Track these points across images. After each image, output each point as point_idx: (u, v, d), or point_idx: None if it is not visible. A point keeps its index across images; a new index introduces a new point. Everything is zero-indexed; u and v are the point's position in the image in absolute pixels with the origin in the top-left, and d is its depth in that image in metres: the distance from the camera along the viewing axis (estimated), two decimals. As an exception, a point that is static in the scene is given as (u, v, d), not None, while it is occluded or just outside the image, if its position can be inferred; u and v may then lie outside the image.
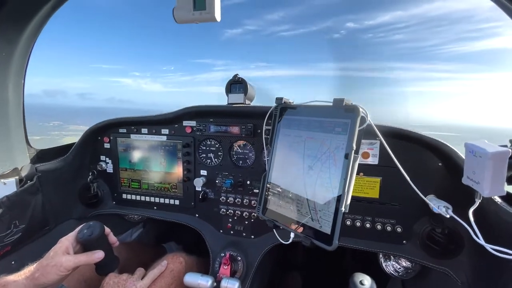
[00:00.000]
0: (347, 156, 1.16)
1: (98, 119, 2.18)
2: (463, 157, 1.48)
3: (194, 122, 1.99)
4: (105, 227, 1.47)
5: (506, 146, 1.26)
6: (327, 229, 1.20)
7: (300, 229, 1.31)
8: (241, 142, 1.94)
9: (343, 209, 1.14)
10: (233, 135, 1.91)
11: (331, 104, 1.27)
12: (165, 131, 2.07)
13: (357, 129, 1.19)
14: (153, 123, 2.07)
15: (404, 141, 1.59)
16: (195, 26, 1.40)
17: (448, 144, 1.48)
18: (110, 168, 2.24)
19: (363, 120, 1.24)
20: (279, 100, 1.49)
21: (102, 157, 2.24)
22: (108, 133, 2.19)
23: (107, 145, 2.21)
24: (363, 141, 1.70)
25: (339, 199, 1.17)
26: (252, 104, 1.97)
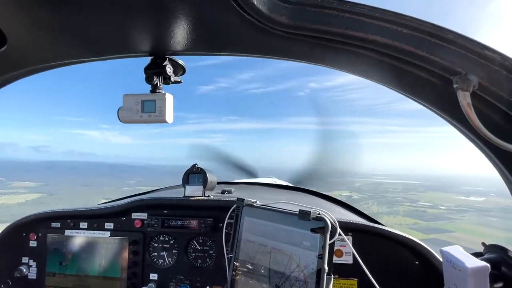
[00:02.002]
0: (318, 282, 1.00)
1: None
2: (438, 257, 1.41)
3: (146, 214, 1.74)
4: None
5: (481, 253, 1.20)
6: None
7: None
8: (199, 239, 1.70)
9: None
10: (191, 231, 1.68)
11: (297, 212, 1.15)
12: (109, 225, 1.76)
13: (327, 245, 1.06)
14: (95, 216, 1.77)
15: (377, 237, 1.50)
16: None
17: (422, 244, 1.41)
18: (33, 273, 1.79)
19: (334, 230, 1.13)
20: (240, 201, 1.34)
21: (25, 259, 1.81)
22: (36, 229, 1.81)
23: (33, 244, 1.81)
24: (345, 237, 1.59)
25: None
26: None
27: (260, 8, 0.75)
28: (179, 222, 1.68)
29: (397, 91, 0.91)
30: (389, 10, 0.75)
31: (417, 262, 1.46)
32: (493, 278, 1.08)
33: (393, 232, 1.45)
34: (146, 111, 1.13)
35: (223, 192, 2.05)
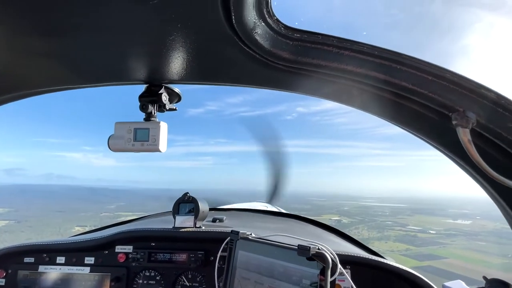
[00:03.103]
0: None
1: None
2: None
3: (131, 247, 1.63)
4: None
5: (483, 288, 1.19)
6: None
7: None
8: (189, 274, 1.59)
9: None
10: (179, 265, 1.57)
11: (295, 247, 1.11)
12: (89, 259, 1.63)
13: (328, 284, 1.02)
14: (75, 250, 1.64)
15: (376, 270, 1.45)
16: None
17: (422, 278, 1.38)
18: None
19: (334, 266, 1.09)
20: (234, 234, 1.29)
21: None
22: (6, 264, 1.65)
23: (0, 282, 1.63)
24: (344, 271, 1.53)
25: None
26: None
27: (262, 43, 0.77)
28: (167, 256, 1.58)
29: (397, 126, 0.93)
30: (388, 49, 0.78)
31: None
32: (499, 316, 1.05)
33: (392, 265, 1.41)
34: (139, 139, 1.09)
35: (214, 220, 1.97)
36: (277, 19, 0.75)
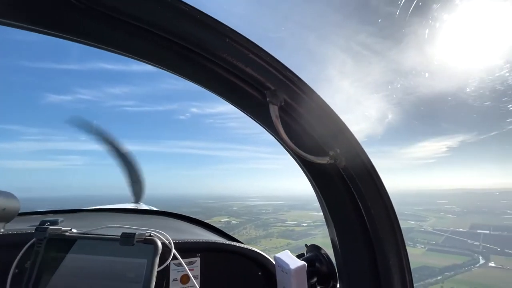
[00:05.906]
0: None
1: None
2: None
3: None
4: None
5: (303, 254, 1.43)
6: None
7: None
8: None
9: None
10: None
11: (118, 237, 0.98)
12: None
13: (155, 272, 0.95)
14: None
15: (226, 254, 1.52)
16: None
17: (263, 254, 1.54)
18: None
19: (166, 254, 1.04)
20: (40, 232, 1.02)
21: None
22: None
23: None
24: (182, 260, 1.49)
25: None
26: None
27: None
28: None
29: (227, 101, 0.97)
30: (211, 16, 0.80)
31: (260, 273, 1.57)
32: (310, 275, 1.29)
33: (238, 246, 1.51)
34: None
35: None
36: None
